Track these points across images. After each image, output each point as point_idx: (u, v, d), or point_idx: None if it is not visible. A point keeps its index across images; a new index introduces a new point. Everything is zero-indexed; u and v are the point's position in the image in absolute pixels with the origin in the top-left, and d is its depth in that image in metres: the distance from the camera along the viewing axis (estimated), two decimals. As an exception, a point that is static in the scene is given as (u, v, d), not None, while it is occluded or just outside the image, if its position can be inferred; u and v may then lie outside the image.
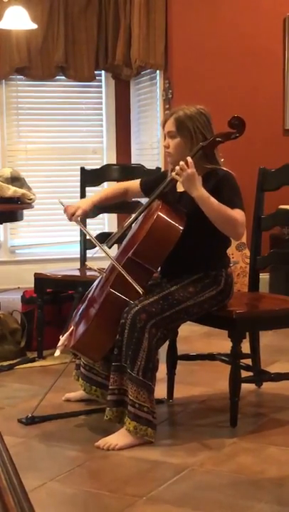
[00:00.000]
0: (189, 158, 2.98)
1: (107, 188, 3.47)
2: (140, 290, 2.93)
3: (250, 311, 3.28)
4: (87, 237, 3.18)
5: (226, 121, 3.12)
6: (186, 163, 2.96)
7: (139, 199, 3.62)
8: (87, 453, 2.86)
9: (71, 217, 3.27)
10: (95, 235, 4.10)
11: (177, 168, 2.98)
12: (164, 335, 3.03)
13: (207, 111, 3.15)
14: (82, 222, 3.26)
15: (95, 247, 3.40)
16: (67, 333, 3.13)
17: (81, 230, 4.05)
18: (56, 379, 3.23)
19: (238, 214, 3.02)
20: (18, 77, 6.42)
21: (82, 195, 4.34)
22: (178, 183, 3.18)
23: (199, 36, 5.82)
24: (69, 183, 6.46)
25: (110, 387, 2.96)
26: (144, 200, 3.36)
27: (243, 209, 3.06)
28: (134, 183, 3.42)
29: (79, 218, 3.28)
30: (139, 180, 3.43)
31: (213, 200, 2.98)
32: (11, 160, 6.57)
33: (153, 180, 3.33)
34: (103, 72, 6.58)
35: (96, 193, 3.43)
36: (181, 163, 2.97)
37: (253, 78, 5.89)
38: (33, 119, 6.68)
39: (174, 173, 3.03)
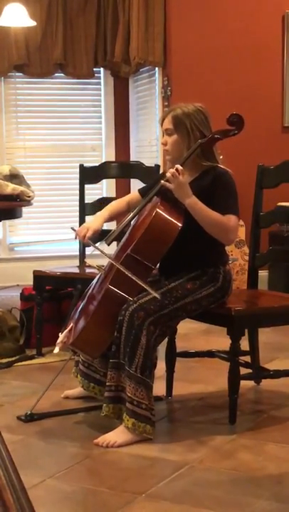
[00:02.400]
0: (179, 166, 2.99)
1: (110, 205, 3.48)
2: (157, 295, 2.92)
3: (249, 308, 3.28)
4: (93, 249, 3.21)
5: (225, 118, 3.12)
6: (177, 170, 2.96)
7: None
8: (86, 450, 2.86)
9: (83, 239, 3.29)
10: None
11: (168, 175, 2.99)
12: (162, 332, 3.03)
13: (205, 108, 3.15)
14: (93, 241, 3.29)
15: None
16: (67, 330, 3.13)
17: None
18: (55, 376, 3.23)
19: (229, 220, 3.03)
20: (16, 74, 6.41)
21: (81, 192, 4.34)
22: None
23: (198, 33, 5.82)
24: (68, 180, 6.45)
25: (107, 383, 2.96)
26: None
27: (237, 212, 3.06)
28: (134, 194, 3.44)
29: (90, 239, 3.29)
30: (137, 190, 3.45)
31: (204, 208, 2.99)
32: (9, 157, 6.56)
33: (151, 186, 3.33)
34: (102, 69, 6.57)
35: (102, 211, 3.42)
36: (172, 171, 2.98)
37: (252, 75, 5.89)
38: (31, 116, 6.67)
39: (163, 182, 3.04)
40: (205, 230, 3.02)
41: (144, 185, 3.64)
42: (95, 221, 3.34)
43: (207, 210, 3.00)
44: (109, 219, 3.44)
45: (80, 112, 6.79)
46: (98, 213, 3.42)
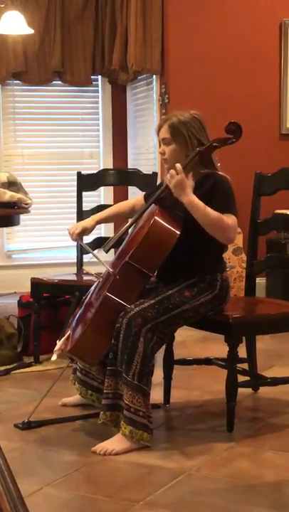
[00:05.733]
0: (178, 165, 2.99)
1: (113, 207, 3.58)
2: (110, 270, 2.97)
3: (247, 316, 3.28)
4: (91, 256, 3.27)
5: (223, 126, 3.11)
6: (175, 169, 2.97)
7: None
8: (84, 458, 2.86)
9: (72, 236, 3.35)
10: (92, 240, 4.12)
11: (168, 176, 3.01)
12: (160, 339, 3.03)
13: (201, 116, 3.15)
14: (90, 247, 3.36)
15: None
16: (64, 337, 3.13)
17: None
18: (53, 384, 3.23)
19: (228, 219, 3.03)
20: (14, 81, 6.42)
21: (79, 199, 4.34)
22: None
23: (196, 41, 5.83)
24: (65, 187, 6.45)
25: (105, 391, 2.96)
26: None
27: (236, 213, 3.06)
28: (140, 198, 3.47)
29: (78, 236, 3.37)
30: (143, 194, 3.47)
31: (202, 205, 2.98)
32: (7, 165, 6.56)
33: (155, 191, 3.34)
34: (100, 76, 6.58)
35: (101, 212, 3.57)
36: (171, 171, 2.99)
37: (250, 83, 5.90)
38: (29, 123, 6.68)
39: (166, 180, 3.05)
40: (204, 228, 3.01)
41: (141, 192, 3.66)
42: (87, 220, 3.43)
43: (205, 208, 2.98)
44: (107, 220, 3.54)
45: (77, 120, 6.80)
46: (98, 214, 3.51)
